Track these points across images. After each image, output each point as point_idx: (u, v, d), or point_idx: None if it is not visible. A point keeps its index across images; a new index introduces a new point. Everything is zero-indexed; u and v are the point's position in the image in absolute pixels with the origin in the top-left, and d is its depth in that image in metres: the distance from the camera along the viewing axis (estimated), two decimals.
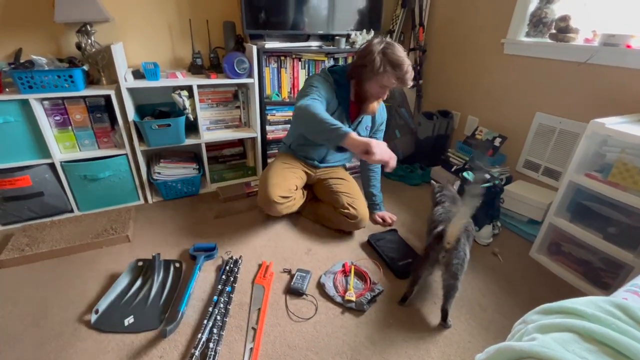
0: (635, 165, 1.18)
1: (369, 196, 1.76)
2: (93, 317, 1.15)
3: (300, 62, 1.99)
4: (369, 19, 2.10)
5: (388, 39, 1.39)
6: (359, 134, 1.53)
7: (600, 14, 1.55)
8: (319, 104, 1.30)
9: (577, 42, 1.57)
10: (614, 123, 1.23)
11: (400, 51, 1.36)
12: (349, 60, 2.06)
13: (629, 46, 1.37)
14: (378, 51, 1.34)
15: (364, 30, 2.02)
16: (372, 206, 1.75)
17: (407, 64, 1.35)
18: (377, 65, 1.33)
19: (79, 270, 1.39)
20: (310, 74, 1.99)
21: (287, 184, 1.55)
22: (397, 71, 1.35)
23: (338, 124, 1.20)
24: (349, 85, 1.50)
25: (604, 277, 1.33)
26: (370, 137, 1.69)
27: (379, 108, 1.57)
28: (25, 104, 1.47)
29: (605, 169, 1.28)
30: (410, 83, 1.40)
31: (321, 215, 1.74)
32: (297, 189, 1.65)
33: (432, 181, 1.57)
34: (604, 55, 1.44)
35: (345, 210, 1.60)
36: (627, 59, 1.39)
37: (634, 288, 0.73)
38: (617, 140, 1.24)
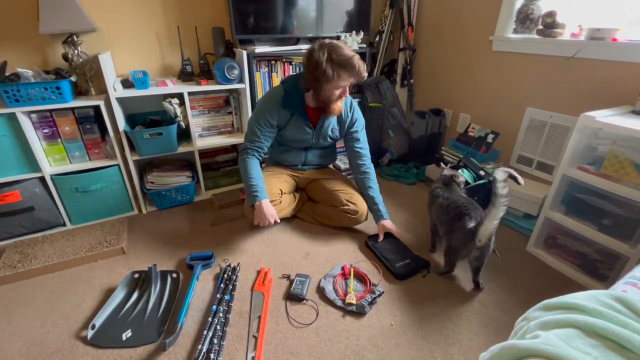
0: (627, 157, 1.20)
1: (368, 200, 1.65)
2: (90, 333, 1.13)
3: (291, 66, 1.99)
4: (358, 20, 2.10)
5: (325, 42, 1.37)
6: (324, 138, 1.61)
7: (584, 7, 1.58)
8: (253, 162, 1.52)
9: (564, 37, 1.59)
10: (604, 116, 1.24)
11: (343, 49, 1.35)
12: None
13: (614, 39, 1.39)
14: (325, 60, 1.33)
15: (354, 32, 2.03)
16: (375, 214, 1.63)
17: (356, 58, 1.35)
18: (330, 74, 1.34)
19: (73, 285, 1.37)
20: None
21: (269, 188, 1.55)
22: (350, 70, 1.35)
23: (258, 190, 1.47)
24: (302, 93, 1.50)
25: (601, 269, 1.34)
26: (349, 137, 1.66)
27: (343, 106, 1.55)
28: (12, 118, 1.44)
29: (598, 161, 1.29)
30: (365, 74, 1.39)
31: (320, 215, 1.74)
32: (282, 193, 1.65)
33: (443, 165, 1.60)
34: (591, 49, 1.46)
35: (345, 207, 1.62)
36: (613, 52, 1.41)
37: (633, 280, 0.73)
38: (608, 133, 1.25)
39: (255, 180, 1.49)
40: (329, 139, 1.66)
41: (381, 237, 1.60)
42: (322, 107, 1.49)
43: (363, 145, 1.69)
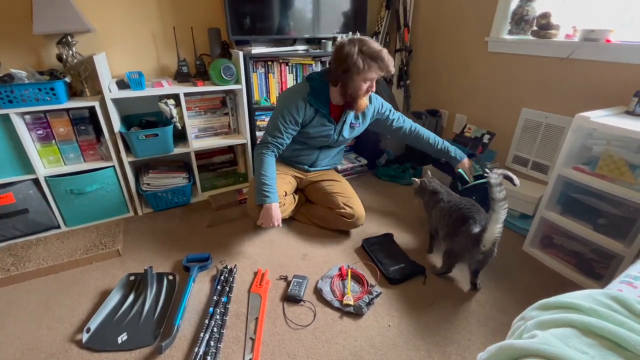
0: (621, 157, 1.21)
1: (442, 153, 1.68)
2: (85, 337, 1.11)
3: (287, 67, 1.99)
4: (354, 21, 2.11)
5: (355, 36, 1.39)
6: (343, 135, 1.61)
7: (578, 9, 1.59)
8: (271, 160, 1.50)
9: (559, 38, 1.61)
10: (599, 116, 1.25)
11: (373, 43, 1.37)
12: None
13: (608, 41, 1.40)
14: (357, 52, 1.34)
15: (350, 33, 2.02)
16: (452, 160, 1.67)
17: (385, 51, 1.37)
18: (361, 66, 1.34)
19: (68, 288, 1.35)
20: (297, 81, 2.01)
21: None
22: (380, 62, 1.36)
23: (271, 191, 1.45)
24: (328, 89, 1.50)
25: (596, 268, 1.35)
26: (384, 124, 1.70)
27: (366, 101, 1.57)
28: (5, 119, 1.42)
29: (592, 161, 1.30)
30: (393, 68, 1.41)
31: (317, 217, 1.73)
32: (286, 195, 1.64)
33: (414, 179, 1.57)
34: (585, 50, 1.47)
35: (342, 210, 1.62)
36: (607, 54, 1.42)
37: (628, 279, 0.74)
38: (603, 133, 1.26)
39: (269, 180, 1.46)
40: (348, 137, 1.65)
41: (470, 178, 1.62)
42: (348, 102, 1.48)
43: (400, 120, 1.71)
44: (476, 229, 1.21)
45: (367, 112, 1.63)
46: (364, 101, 1.49)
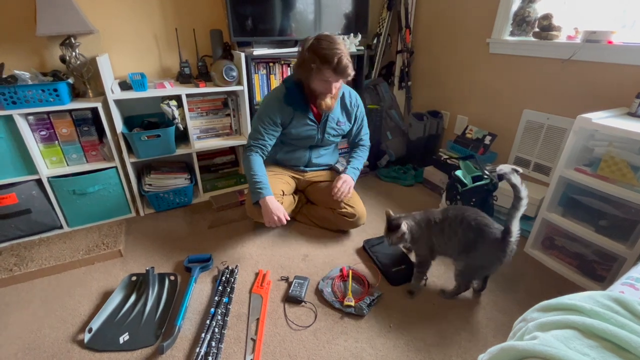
0: (623, 159, 1.21)
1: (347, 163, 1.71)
2: (87, 337, 1.12)
3: (289, 68, 1.99)
4: (356, 23, 2.11)
5: (321, 33, 1.35)
6: (329, 133, 1.60)
7: (580, 10, 1.59)
8: (257, 159, 1.51)
9: (560, 39, 1.60)
10: (600, 117, 1.25)
11: (329, 43, 1.29)
12: None
13: (610, 42, 1.40)
14: (306, 49, 1.32)
15: (351, 34, 2.03)
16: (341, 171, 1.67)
17: (338, 55, 1.28)
18: (308, 64, 1.32)
19: (70, 289, 1.36)
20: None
21: (272, 189, 1.53)
22: (329, 65, 1.29)
23: (263, 186, 1.44)
24: (302, 88, 1.49)
25: (598, 270, 1.34)
26: (353, 132, 1.71)
27: (349, 97, 1.57)
28: (9, 120, 1.43)
29: (594, 162, 1.30)
30: (350, 73, 1.33)
31: (318, 218, 1.74)
32: (284, 195, 1.64)
33: (402, 228, 1.25)
34: (587, 52, 1.47)
35: (343, 210, 1.62)
36: (609, 55, 1.42)
37: (630, 281, 0.74)
38: (604, 135, 1.26)
39: (259, 177, 1.46)
40: (334, 135, 1.64)
41: (336, 185, 1.57)
42: (314, 100, 1.47)
43: (364, 136, 1.75)
44: (498, 233, 1.13)
45: (351, 111, 1.63)
46: (325, 102, 1.45)
